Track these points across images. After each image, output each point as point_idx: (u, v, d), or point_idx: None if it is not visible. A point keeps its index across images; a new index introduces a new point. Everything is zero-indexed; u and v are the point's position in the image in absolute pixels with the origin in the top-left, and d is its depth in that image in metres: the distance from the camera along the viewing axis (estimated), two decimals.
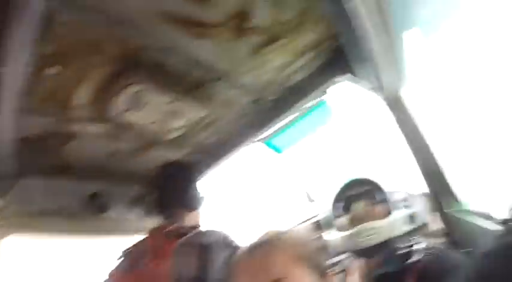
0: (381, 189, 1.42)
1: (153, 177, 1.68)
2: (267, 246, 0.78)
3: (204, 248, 1.34)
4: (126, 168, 1.98)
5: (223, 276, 1.29)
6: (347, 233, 1.36)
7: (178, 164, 1.74)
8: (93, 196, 1.93)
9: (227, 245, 1.37)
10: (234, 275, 0.79)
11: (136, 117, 1.60)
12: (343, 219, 1.42)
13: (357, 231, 1.32)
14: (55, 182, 1.78)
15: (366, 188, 1.42)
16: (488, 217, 1.23)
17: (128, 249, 1.66)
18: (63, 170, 1.79)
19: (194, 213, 1.63)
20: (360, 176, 1.44)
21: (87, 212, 1.90)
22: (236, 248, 1.34)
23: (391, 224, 1.33)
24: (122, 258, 1.64)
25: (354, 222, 1.37)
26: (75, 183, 1.87)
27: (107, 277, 1.64)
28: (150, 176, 1.73)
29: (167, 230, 1.51)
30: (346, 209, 1.43)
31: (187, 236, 1.41)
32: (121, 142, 1.78)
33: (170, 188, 1.62)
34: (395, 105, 1.54)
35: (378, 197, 1.41)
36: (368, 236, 1.31)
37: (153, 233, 1.55)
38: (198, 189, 1.67)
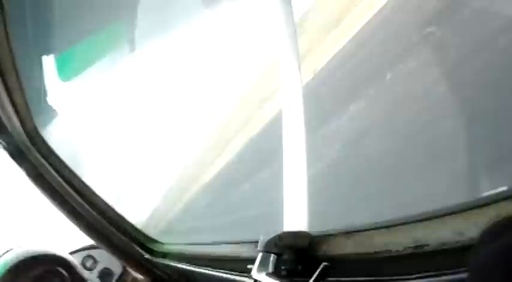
0: (63, 260, 1.25)
1: None
2: None
3: None
4: None
5: None
6: None
7: None
8: None
9: None
10: None
11: None
12: None
13: None
14: None
15: (46, 266, 1.19)
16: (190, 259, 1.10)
17: None
18: None
19: None
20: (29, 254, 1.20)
21: None
22: None
23: None
24: None
25: None
26: None
27: None
28: None
29: None
30: None
31: None
32: None
33: None
34: (27, 150, 1.19)
35: (65, 270, 1.21)
36: None
37: None
38: None
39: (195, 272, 1.06)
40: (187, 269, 1.13)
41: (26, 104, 1.11)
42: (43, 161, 1.16)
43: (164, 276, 1.29)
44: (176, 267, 1.21)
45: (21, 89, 1.06)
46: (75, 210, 1.21)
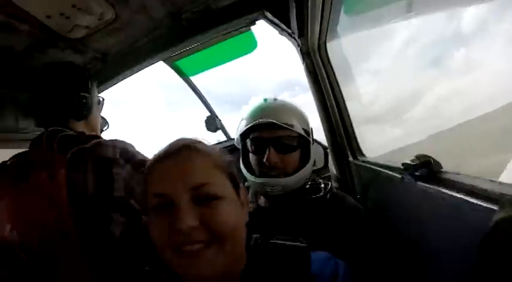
0: (301, 136, 1.35)
1: (39, 80, 1.36)
2: (186, 152, 0.74)
3: (102, 162, 1.19)
4: (20, 71, 1.66)
5: (125, 194, 1.18)
6: (254, 178, 1.34)
7: (60, 66, 1.41)
8: None
9: (128, 159, 1.23)
10: (148, 181, 0.74)
11: (32, 7, 1.28)
12: (252, 158, 1.39)
13: (263, 182, 1.31)
14: None
15: (283, 133, 1.31)
16: (389, 167, 1.23)
17: (6, 162, 1.36)
18: None
19: (84, 122, 1.40)
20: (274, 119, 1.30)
21: None
22: (138, 162, 1.24)
23: (297, 179, 1.33)
24: (5, 168, 1.31)
25: (262, 168, 1.33)
26: None
27: None
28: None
29: (57, 137, 1.23)
30: (258, 149, 1.34)
31: (82, 146, 1.21)
32: (14, 37, 1.44)
33: (50, 95, 1.34)
34: (313, 53, 1.64)
35: (294, 144, 1.34)
36: (273, 189, 1.30)
37: (39, 142, 1.25)
38: (89, 95, 1.41)
39: None
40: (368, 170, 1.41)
41: (328, 22, 1.49)
42: (321, 65, 1.63)
43: (355, 176, 1.64)
44: (365, 170, 1.50)
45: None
46: (329, 109, 1.66)
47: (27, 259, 1.11)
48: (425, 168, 0.85)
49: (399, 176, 1.01)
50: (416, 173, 0.87)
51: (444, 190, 0.75)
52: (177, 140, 0.78)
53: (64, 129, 1.27)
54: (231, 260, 0.71)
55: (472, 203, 0.64)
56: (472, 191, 0.66)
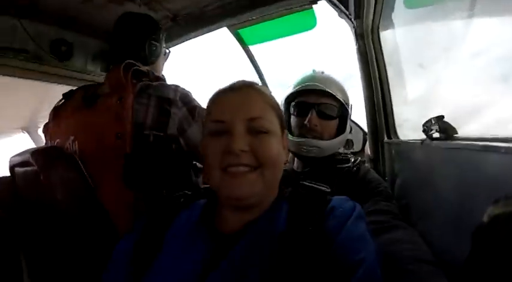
0: (341, 107, 1.47)
1: (117, 26, 1.57)
2: (246, 89, 0.86)
3: (163, 100, 1.38)
4: (95, 20, 1.92)
5: (176, 132, 1.39)
6: (292, 138, 1.45)
7: (137, 15, 1.60)
8: (57, 42, 1.94)
9: (185, 103, 1.43)
10: (210, 110, 0.86)
11: None
12: (293, 121, 1.50)
13: (300, 142, 1.43)
14: (19, 22, 1.74)
15: (326, 101, 1.44)
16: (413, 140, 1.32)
17: (73, 90, 1.62)
18: (30, 11, 1.74)
19: (150, 67, 1.59)
20: (323, 87, 1.43)
21: (50, 57, 1.92)
22: (194, 107, 1.43)
23: (332, 145, 1.46)
24: (73, 96, 1.57)
25: (301, 130, 1.45)
26: (41, 27, 1.85)
27: (51, 116, 1.59)
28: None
29: (131, 69, 1.44)
30: (301, 112, 1.47)
31: (149, 83, 1.41)
32: None
33: (124, 39, 1.54)
34: (366, 35, 1.71)
35: (334, 114, 1.46)
36: (309, 150, 1.43)
37: (116, 68, 1.44)
38: (159, 45, 1.61)
39: None
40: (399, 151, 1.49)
41: (381, 7, 1.57)
42: (372, 48, 1.70)
43: (385, 156, 1.69)
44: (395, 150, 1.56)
45: None
46: (371, 89, 1.71)
47: (82, 163, 1.32)
48: (443, 132, 0.98)
49: (419, 142, 1.15)
50: (434, 136, 1.00)
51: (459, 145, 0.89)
52: (238, 80, 0.90)
53: (137, 64, 1.49)
54: (267, 188, 0.81)
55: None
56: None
